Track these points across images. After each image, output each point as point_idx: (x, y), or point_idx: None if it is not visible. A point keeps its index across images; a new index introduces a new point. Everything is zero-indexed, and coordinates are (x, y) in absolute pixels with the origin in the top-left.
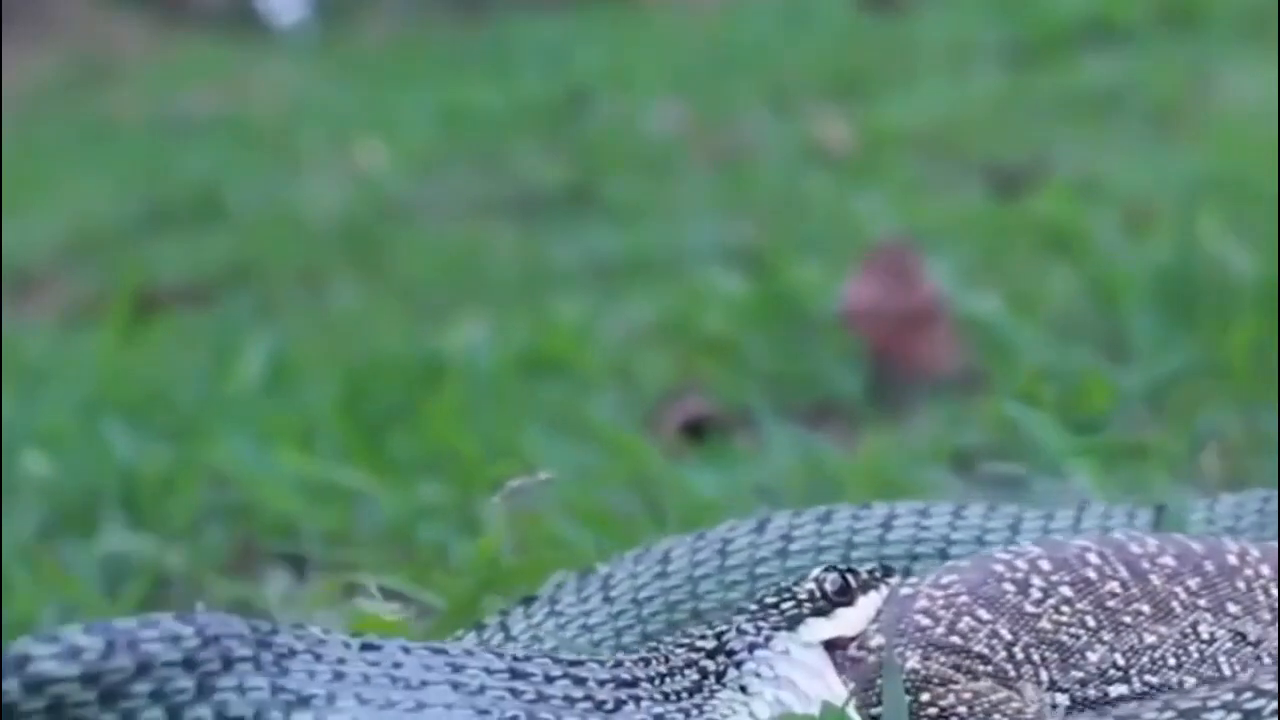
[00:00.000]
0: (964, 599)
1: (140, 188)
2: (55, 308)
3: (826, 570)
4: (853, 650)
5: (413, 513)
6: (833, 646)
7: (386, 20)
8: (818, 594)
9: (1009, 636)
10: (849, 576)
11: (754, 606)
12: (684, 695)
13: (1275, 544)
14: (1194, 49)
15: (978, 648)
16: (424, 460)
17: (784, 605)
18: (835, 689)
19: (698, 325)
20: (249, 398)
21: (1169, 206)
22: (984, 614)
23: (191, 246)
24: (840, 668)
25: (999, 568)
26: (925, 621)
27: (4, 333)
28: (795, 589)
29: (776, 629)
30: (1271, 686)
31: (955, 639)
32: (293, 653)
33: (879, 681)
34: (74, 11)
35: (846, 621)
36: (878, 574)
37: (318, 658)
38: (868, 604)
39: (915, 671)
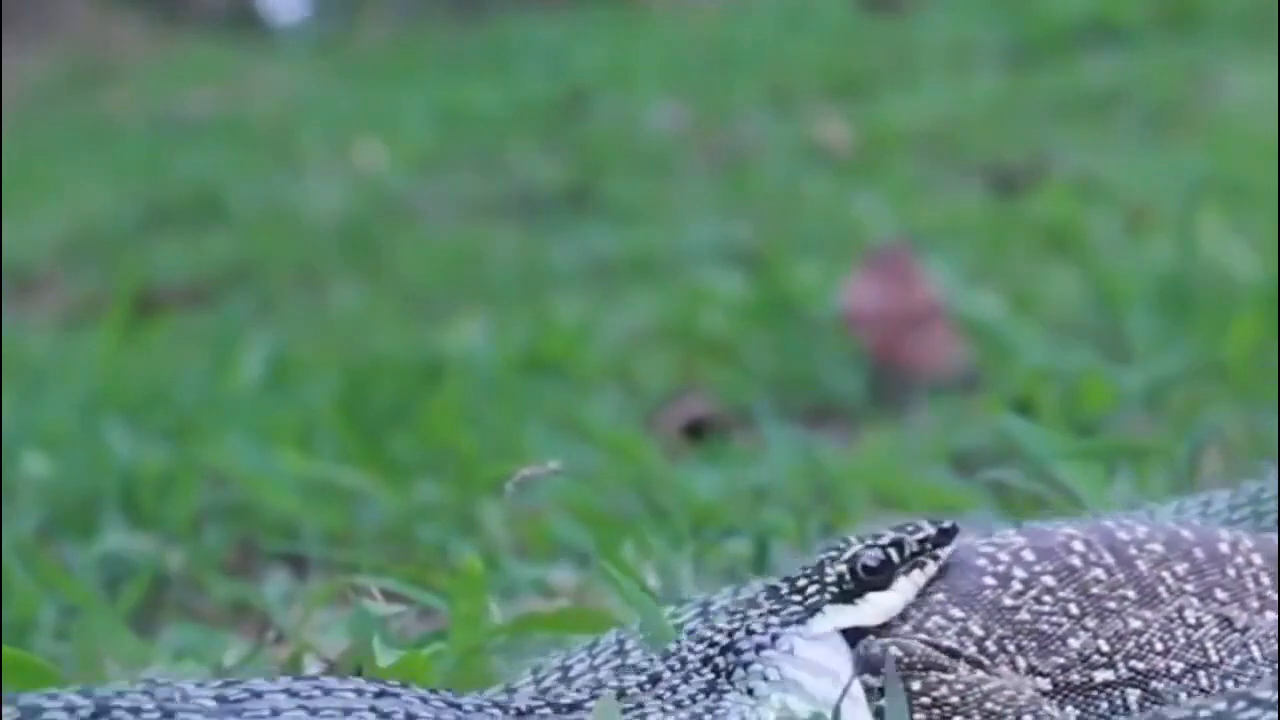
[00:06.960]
0: (939, 595)
1: (140, 188)
2: (55, 308)
3: (868, 545)
4: (867, 641)
5: (412, 513)
6: (856, 634)
7: (386, 20)
8: (847, 575)
9: (980, 632)
10: (891, 552)
11: (784, 588)
12: (697, 699)
13: (1271, 535)
14: (1194, 49)
15: (946, 643)
16: (424, 460)
17: (809, 589)
18: (846, 685)
19: (698, 326)
20: (249, 397)
21: (1169, 206)
22: (956, 612)
23: (191, 246)
24: (858, 658)
25: (981, 561)
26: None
27: (4, 333)
28: (827, 570)
29: (787, 623)
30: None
31: (922, 635)
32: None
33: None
34: (74, 11)
35: (875, 607)
36: (930, 544)
37: (238, 716)
38: (908, 585)
39: (902, 659)
